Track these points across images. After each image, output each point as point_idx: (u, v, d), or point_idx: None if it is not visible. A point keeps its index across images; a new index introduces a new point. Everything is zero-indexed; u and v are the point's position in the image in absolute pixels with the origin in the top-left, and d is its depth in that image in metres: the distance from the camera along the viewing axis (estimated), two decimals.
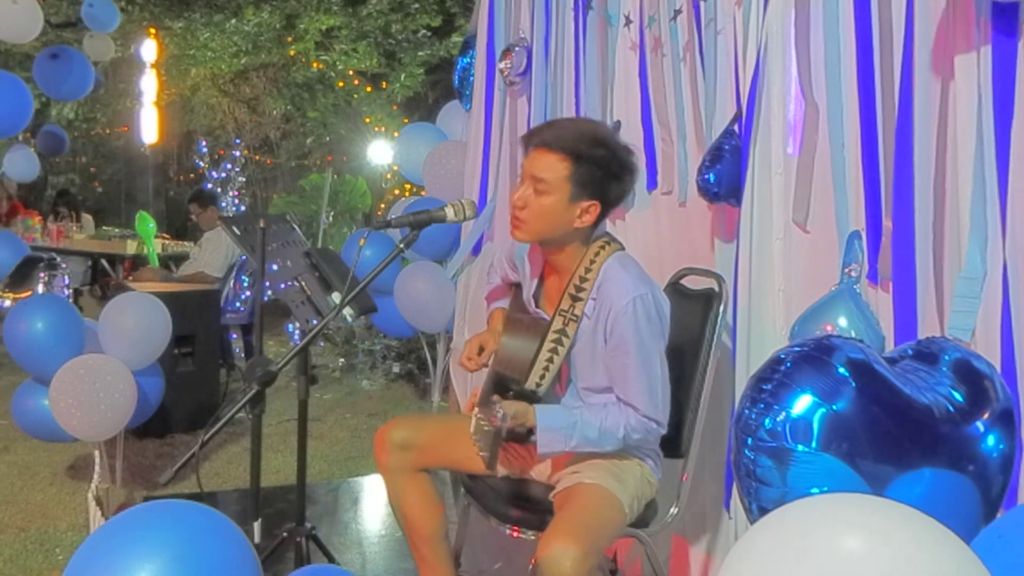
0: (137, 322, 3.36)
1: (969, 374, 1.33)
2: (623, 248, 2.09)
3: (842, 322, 1.84)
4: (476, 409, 2.09)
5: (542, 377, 2.00)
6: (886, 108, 1.90)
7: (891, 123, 1.88)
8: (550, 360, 2.00)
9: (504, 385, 2.04)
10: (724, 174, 2.27)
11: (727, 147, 2.29)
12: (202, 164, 9.77)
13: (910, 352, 1.42)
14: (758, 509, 1.29)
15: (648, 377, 1.96)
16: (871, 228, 1.95)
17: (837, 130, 2.01)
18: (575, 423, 1.95)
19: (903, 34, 1.84)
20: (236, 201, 9.57)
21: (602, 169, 1.94)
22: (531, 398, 2.01)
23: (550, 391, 2.10)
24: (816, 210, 2.08)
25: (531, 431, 1.97)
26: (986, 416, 1.29)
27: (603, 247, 2.03)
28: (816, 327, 1.89)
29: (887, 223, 1.88)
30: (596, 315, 1.99)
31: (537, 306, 2.15)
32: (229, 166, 9.76)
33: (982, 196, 1.65)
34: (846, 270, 1.95)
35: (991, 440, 1.28)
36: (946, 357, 1.36)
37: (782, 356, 1.34)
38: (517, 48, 3.41)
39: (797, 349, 1.34)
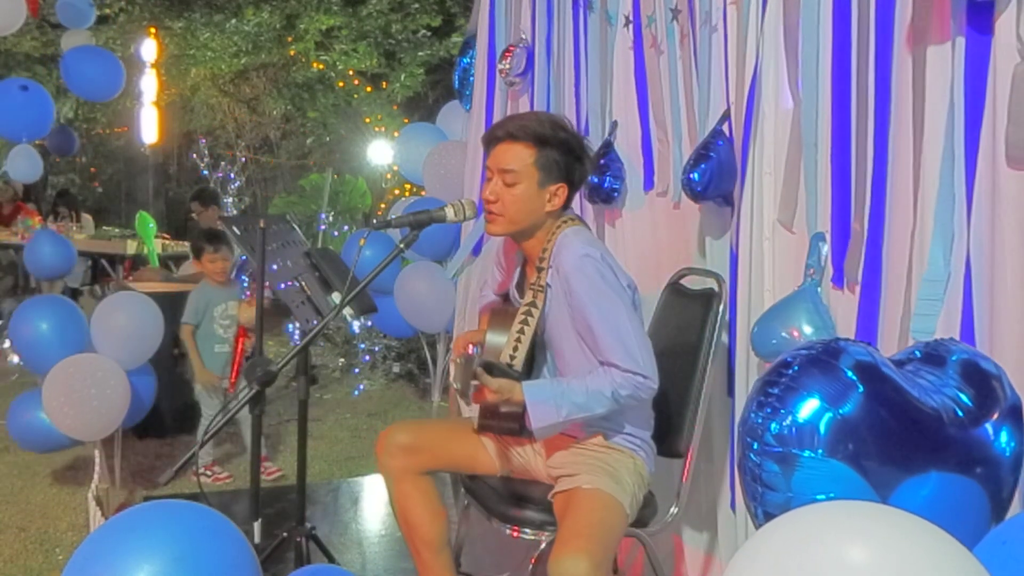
0: (129, 321, 3.34)
1: (976, 375, 1.32)
2: (584, 225, 2.14)
3: (803, 326, 1.85)
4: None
5: (515, 349, 2.00)
6: (859, 110, 1.90)
7: (863, 125, 1.88)
8: (521, 332, 2.01)
9: (490, 369, 2.03)
10: (709, 173, 2.27)
11: (712, 146, 2.30)
12: (203, 167, 9.76)
13: (917, 354, 1.41)
14: (763, 514, 1.28)
15: (615, 330, 1.94)
16: (838, 230, 1.95)
17: (810, 131, 2.01)
18: (562, 391, 1.94)
19: (877, 33, 1.84)
20: (236, 200, 9.57)
21: (564, 151, 2.02)
22: (507, 374, 2.00)
23: (536, 373, 2.11)
24: (801, 211, 2.08)
25: (523, 424, 1.97)
26: (995, 417, 1.28)
27: (563, 224, 2.08)
28: (775, 328, 1.89)
29: (856, 225, 1.88)
30: (556, 283, 2.02)
31: (521, 297, 2.18)
32: (229, 167, 9.75)
33: (949, 197, 1.65)
34: (808, 272, 1.96)
35: (1003, 438, 1.28)
36: (953, 359, 1.35)
37: (789, 359, 1.32)
38: (517, 48, 3.41)
39: (804, 352, 1.33)
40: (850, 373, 1.27)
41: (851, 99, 1.91)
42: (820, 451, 1.23)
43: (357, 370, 5.89)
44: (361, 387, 5.67)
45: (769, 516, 1.24)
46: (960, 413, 1.28)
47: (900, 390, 1.27)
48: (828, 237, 1.98)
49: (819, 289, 1.95)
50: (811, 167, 2.01)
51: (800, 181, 2.07)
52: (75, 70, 4.11)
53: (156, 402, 3.66)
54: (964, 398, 1.29)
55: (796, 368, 1.30)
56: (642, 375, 1.94)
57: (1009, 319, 1.58)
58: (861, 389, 1.26)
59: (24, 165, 4.39)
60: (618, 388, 1.93)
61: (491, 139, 2.09)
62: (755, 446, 1.28)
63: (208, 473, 3.84)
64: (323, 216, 7.42)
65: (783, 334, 1.89)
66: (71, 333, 3.32)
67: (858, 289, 1.89)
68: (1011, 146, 1.55)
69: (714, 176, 2.28)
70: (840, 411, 1.24)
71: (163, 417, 4.18)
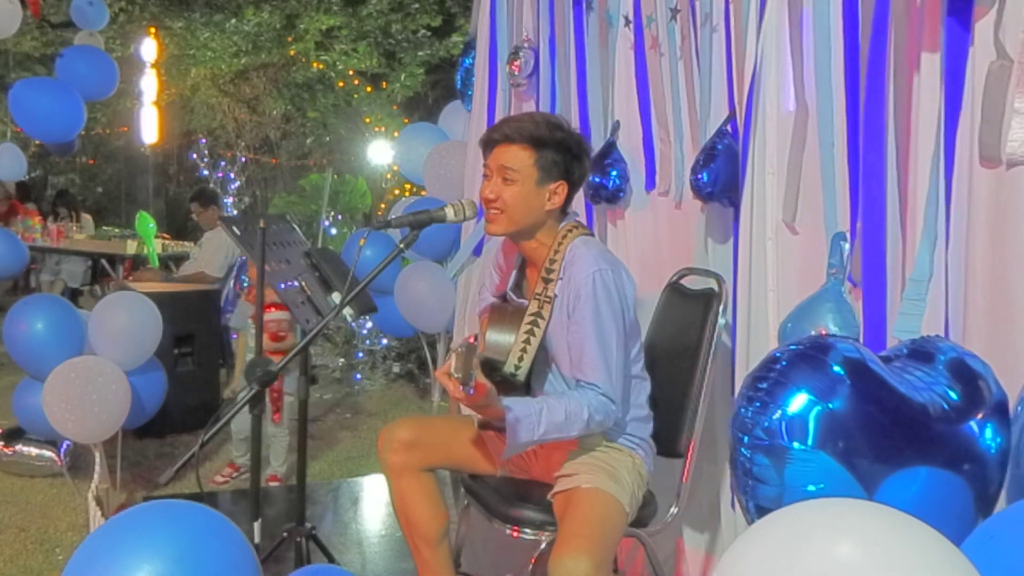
0: (127, 322, 3.32)
1: (964, 373, 1.33)
2: (591, 234, 2.15)
3: (829, 325, 1.85)
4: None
5: (520, 359, 2.00)
6: (861, 110, 1.91)
7: (868, 124, 1.89)
8: (527, 343, 2.01)
9: (491, 367, 2.02)
10: (717, 173, 2.28)
11: (720, 147, 2.30)
12: (203, 167, 9.75)
13: (905, 351, 1.42)
14: (755, 508, 1.29)
15: (604, 354, 1.97)
16: (854, 229, 1.96)
17: (827, 130, 2.01)
18: (541, 409, 1.91)
19: (874, 35, 1.85)
20: (236, 200, 9.57)
21: (562, 151, 2.04)
22: (511, 383, 1.99)
23: (537, 380, 2.10)
24: (807, 210, 2.08)
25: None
26: (981, 415, 1.29)
27: (571, 230, 2.09)
28: (801, 327, 1.89)
29: (860, 225, 1.89)
30: (564, 294, 2.02)
31: (519, 299, 2.17)
32: (229, 167, 9.75)
33: (935, 197, 1.65)
34: (831, 271, 1.96)
35: (989, 435, 1.29)
36: (942, 356, 1.36)
37: (778, 355, 1.34)
38: (524, 49, 3.40)
39: (793, 348, 1.34)
40: (838, 368, 1.28)
41: (859, 98, 1.92)
42: (810, 443, 1.24)
43: (359, 376, 5.89)
44: (361, 387, 5.68)
45: (761, 510, 1.24)
46: (947, 409, 1.28)
47: (888, 386, 1.28)
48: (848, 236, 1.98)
49: (842, 288, 1.96)
50: (828, 167, 2.01)
51: (801, 181, 2.07)
52: (69, 70, 4.10)
53: None
54: (952, 394, 1.30)
55: (785, 363, 1.31)
56: (615, 403, 1.99)
57: (982, 316, 1.59)
58: (849, 384, 1.26)
59: (8, 163, 4.37)
60: (594, 412, 1.94)
61: (488, 141, 2.10)
62: (745, 440, 1.29)
63: (234, 475, 3.87)
64: (326, 224, 7.41)
65: (812, 333, 1.89)
66: (67, 334, 3.31)
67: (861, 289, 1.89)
68: (984, 145, 1.56)
69: (721, 175, 2.28)
70: (829, 405, 1.25)
71: (163, 417, 4.17)
